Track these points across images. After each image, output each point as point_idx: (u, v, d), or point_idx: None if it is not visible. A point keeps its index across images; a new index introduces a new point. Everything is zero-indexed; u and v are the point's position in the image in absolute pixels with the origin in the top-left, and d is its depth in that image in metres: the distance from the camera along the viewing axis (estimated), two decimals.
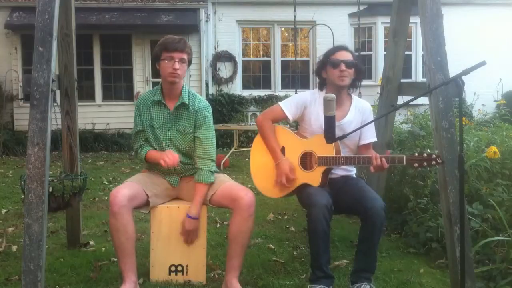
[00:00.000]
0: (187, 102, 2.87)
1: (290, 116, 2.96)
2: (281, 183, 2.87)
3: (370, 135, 2.98)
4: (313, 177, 2.81)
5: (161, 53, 2.79)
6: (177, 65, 2.76)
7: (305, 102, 2.95)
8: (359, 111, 2.97)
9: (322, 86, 2.97)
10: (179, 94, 2.88)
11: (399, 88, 3.61)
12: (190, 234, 2.86)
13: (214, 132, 2.95)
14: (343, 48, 2.91)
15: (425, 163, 2.54)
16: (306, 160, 2.86)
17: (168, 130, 2.90)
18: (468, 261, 2.46)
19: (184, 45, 2.79)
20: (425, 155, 2.54)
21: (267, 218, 4.43)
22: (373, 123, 2.96)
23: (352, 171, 3.03)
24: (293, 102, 2.98)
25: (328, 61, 2.87)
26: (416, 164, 2.56)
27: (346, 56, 2.86)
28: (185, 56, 2.79)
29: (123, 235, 2.65)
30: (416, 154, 2.57)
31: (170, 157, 2.77)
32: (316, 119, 2.91)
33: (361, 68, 2.95)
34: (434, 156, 2.53)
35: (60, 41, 3.24)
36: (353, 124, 2.88)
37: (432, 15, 2.77)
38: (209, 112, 2.93)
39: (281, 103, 3.01)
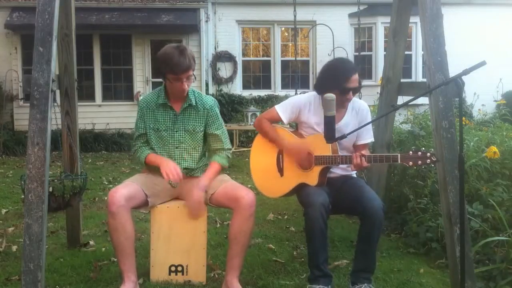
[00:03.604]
0: (194, 104, 2.89)
1: (285, 119, 2.99)
2: (306, 164, 2.84)
3: (367, 136, 3.00)
4: (311, 177, 2.82)
5: (165, 73, 2.76)
6: (185, 86, 2.78)
7: (299, 106, 2.96)
8: (356, 112, 2.98)
9: (322, 92, 2.89)
10: (186, 96, 2.88)
11: (399, 88, 3.61)
12: (196, 206, 2.80)
13: (223, 123, 3.05)
14: (355, 70, 2.84)
15: (419, 162, 2.54)
16: (305, 160, 2.86)
17: (176, 131, 2.90)
18: (468, 261, 2.46)
19: (189, 62, 2.72)
20: (419, 153, 2.54)
21: (267, 218, 4.43)
22: (371, 124, 2.96)
23: (352, 171, 3.03)
24: (288, 105, 3.00)
25: (340, 87, 2.78)
26: (410, 163, 2.56)
27: (357, 81, 2.83)
28: (191, 72, 2.77)
29: (122, 234, 2.66)
30: (411, 152, 2.57)
31: (173, 172, 2.76)
32: (309, 121, 2.92)
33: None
34: (429, 154, 2.53)
35: (60, 41, 3.24)
36: (350, 126, 2.89)
37: (432, 15, 2.76)
38: (218, 108, 3.01)
39: (277, 106, 3.03)
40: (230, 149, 3.02)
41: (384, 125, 3.69)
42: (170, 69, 2.72)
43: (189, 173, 2.97)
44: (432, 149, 2.62)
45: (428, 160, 2.53)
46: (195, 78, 2.86)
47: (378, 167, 3.71)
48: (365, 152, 2.91)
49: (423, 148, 2.61)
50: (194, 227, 2.88)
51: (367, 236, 2.67)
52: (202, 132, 2.94)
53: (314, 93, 3.00)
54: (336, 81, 2.82)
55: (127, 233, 2.67)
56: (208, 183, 2.84)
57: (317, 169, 2.81)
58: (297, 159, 2.88)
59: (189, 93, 2.89)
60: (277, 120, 3.02)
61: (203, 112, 2.92)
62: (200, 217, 2.87)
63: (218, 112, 3.00)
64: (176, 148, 2.91)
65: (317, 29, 11.23)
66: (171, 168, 2.77)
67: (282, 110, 2.99)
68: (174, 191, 2.98)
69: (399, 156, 2.60)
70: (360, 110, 2.99)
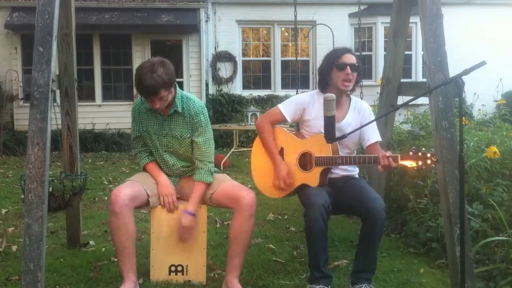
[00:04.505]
0: (180, 110, 2.83)
1: (289, 118, 2.97)
2: (279, 186, 2.88)
3: (373, 136, 2.94)
4: (312, 178, 2.81)
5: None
6: (157, 105, 2.71)
7: (303, 104, 2.95)
8: (358, 112, 2.97)
9: (324, 88, 2.94)
10: (172, 102, 2.82)
11: (399, 88, 3.60)
12: (187, 231, 2.83)
13: (211, 133, 2.93)
14: (348, 50, 2.90)
15: (420, 162, 2.53)
16: (305, 161, 2.86)
17: (164, 136, 2.89)
18: (468, 261, 2.46)
19: (155, 87, 2.60)
20: (420, 154, 2.53)
21: (267, 218, 4.43)
22: (375, 124, 2.95)
23: (354, 171, 3.02)
24: (291, 104, 2.99)
25: (335, 64, 2.84)
26: (410, 164, 2.54)
27: (352, 59, 2.86)
28: (162, 94, 2.66)
29: (124, 234, 2.66)
30: (411, 153, 2.55)
31: (169, 201, 2.82)
32: (314, 120, 2.91)
33: (361, 70, 2.97)
34: (429, 154, 2.51)
35: (60, 41, 3.24)
36: (352, 125, 2.88)
37: (432, 15, 2.76)
38: (204, 115, 2.87)
39: (280, 106, 3.01)
40: (212, 162, 2.91)
41: (384, 125, 3.68)
42: (140, 92, 2.70)
43: (189, 171, 2.97)
44: (433, 149, 2.61)
45: (429, 161, 2.52)
46: (169, 96, 2.72)
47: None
48: (382, 152, 2.88)
49: (423, 149, 2.60)
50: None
51: (368, 236, 2.67)
52: (189, 139, 2.88)
53: (317, 91, 3.00)
54: (330, 60, 2.88)
55: (129, 233, 2.67)
56: (195, 207, 2.82)
57: (317, 170, 2.80)
58: (278, 181, 2.88)
59: (176, 99, 2.82)
60: (281, 120, 3.00)
61: (189, 119, 2.85)
62: (195, 241, 2.88)
63: (204, 119, 2.87)
64: (165, 151, 2.92)
65: (317, 29, 11.24)
66: (167, 195, 2.83)
67: (286, 109, 2.97)
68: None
69: (399, 156, 2.59)
70: (362, 110, 2.98)
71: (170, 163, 2.93)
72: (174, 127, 2.87)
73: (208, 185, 2.87)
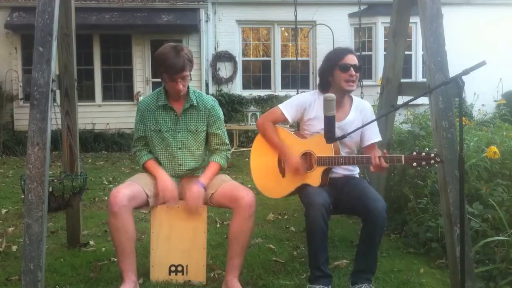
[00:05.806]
0: (196, 104, 2.89)
1: (290, 119, 2.97)
2: (293, 175, 2.86)
3: (374, 136, 2.96)
4: (313, 177, 2.81)
5: (161, 73, 2.78)
6: (180, 86, 2.78)
7: (304, 104, 2.95)
8: (360, 112, 2.97)
9: (325, 89, 2.94)
10: (186, 96, 2.89)
11: (399, 88, 3.60)
12: (194, 200, 2.77)
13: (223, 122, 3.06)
14: (350, 51, 2.90)
15: (424, 163, 2.53)
16: (306, 160, 2.86)
17: (178, 132, 2.90)
18: (468, 261, 2.46)
19: (183, 63, 2.71)
20: (423, 154, 2.53)
21: (267, 218, 4.43)
22: (376, 123, 2.94)
23: (355, 170, 3.03)
24: (292, 104, 2.98)
25: (338, 65, 2.84)
26: (414, 164, 2.55)
27: (354, 59, 2.86)
28: (186, 72, 2.76)
29: (123, 235, 2.66)
30: (415, 153, 2.56)
31: (169, 193, 2.81)
32: (315, 120, 2.91)
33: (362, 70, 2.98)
34: (433, 155, 2.52)
35: (60, 41, 3.25)
36: (354, 125, 2.87)
37: (432, 15, 2.77)
38: (219, 108, 3.01)
39: (280, 106, 3.01)
40: (229, 148, 3.04)
41: (384, 125, 3.68)
42: (165, 70, 2.74)
43: (191, 173, 2.97)
44: (436, 149, 2.62)
45: (432, 161, 2.52)
46: (191, 78, 2.84)
47: None
48: (377, 152, 2.88)
49: (427, 149, 2.60)
50: (194, 227, 2.88)
51: (369, 237, 2.67)
52: (204, 132, 2.94)
53: (317, 91, 3.00)
54: (332, 61, 2.87)
55: (128, 233, 2.67)
56: (207, 182, 2.84)
57: (319, 170, 2.80)
58: (289, 170, 2.88)
59: (190, 93, 2.89)
60: (281, 120, 3.01)
61: (204, 112, 2.92)
62: (198, 215, 2.86)
63: (220, 112, 3.00)
64: (179, 149, 2.92)
65: (317, 29, 11.24)
66: (168, 189, 2.81)
67: (287, 110, 2.97)
68: None
69: (403, 157, 2.59)
70: (364, 109, 2.99)
71: (179, 162, 2.93)
72: (189, 122, 2.91)
73: (221, 168, 2.95)
